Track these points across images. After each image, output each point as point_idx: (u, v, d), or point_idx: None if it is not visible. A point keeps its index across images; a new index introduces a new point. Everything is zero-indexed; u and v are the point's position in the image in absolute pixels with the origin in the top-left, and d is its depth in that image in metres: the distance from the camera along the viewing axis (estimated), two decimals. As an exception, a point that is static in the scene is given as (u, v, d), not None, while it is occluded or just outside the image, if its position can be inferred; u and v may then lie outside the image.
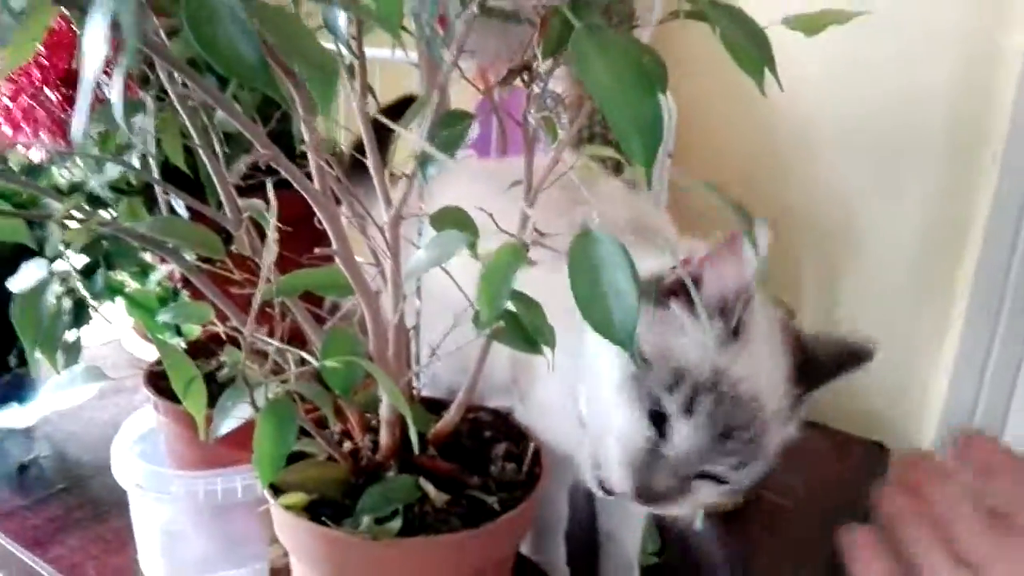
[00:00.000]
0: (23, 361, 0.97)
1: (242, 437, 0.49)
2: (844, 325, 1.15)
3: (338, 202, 0.53)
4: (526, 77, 0.46)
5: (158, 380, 0.77)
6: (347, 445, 0.60)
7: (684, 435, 0.56)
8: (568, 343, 0.51)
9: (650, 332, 0.56)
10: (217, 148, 0.53)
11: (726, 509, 0.88)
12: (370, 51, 0.48)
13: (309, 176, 0.50)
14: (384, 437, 0.58)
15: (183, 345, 0.86)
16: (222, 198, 0.53)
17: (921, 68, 1.03)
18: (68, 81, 0.75)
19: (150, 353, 1.13)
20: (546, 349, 0.48)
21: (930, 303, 1.09)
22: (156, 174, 0.59)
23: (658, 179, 1.00)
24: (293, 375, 0.51)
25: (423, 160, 0.50)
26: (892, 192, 1.08)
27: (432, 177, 0.51)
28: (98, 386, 0.55)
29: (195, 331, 0.90)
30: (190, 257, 0.55)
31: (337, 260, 0.52)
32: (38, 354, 0.57)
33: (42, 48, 0.73)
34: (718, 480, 0.57)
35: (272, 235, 0.47)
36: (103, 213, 0.73)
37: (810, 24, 0.46)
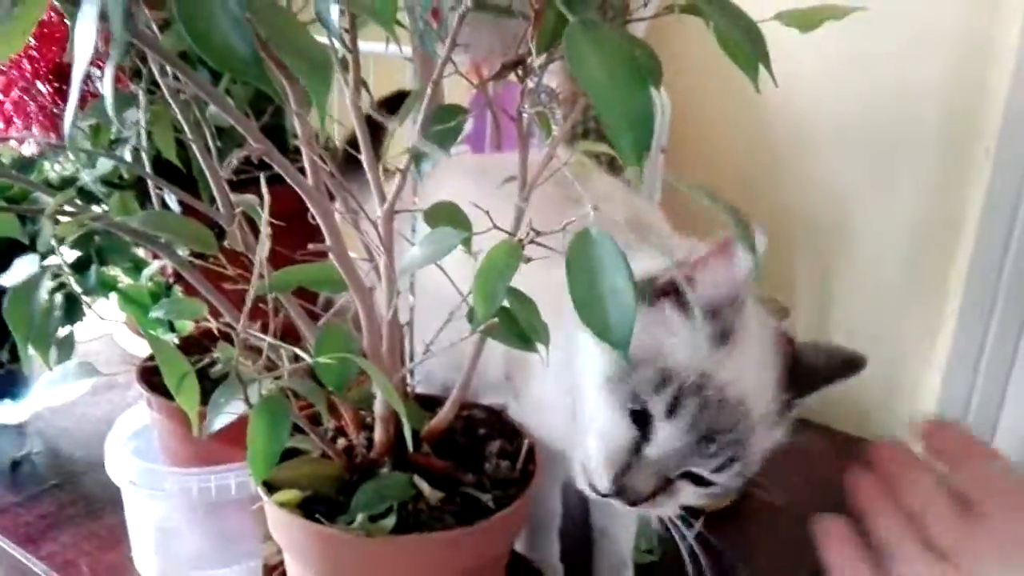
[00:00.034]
0: (15, 357, 0.97)
1: (236, 434, 0.49)
2: (837, 322, 1.16)
3: (331, 197, 0.52)
4: (520, 72, 0.46)
5: (151, 376, 0.77)
6: (341, 442, 0.60)
7: (666, 436, 0.56)
8: (560, 340, 0.50)
9: (640, 332, 0.56)
10: (210, 142, 0.53)
11: (718, 508, 0.88)
12: (363, 45, 0.48)
13: (302, 171, 0.49)
14: (378, 434, 0.58)
15: (176, 341, 0.85)
16: (215, 193, 0.53)
17: (915, 64, 1.03)
18: (59, 74, 0.75)
19: (143, 348, 1.13)
20: (540, 346, 0.48)
21: (923, 300, 1.09)
22: (148, 168, 0.59)
23: (652, 176, 1.00)
24: (287, 371, 0.51)
25: (417, 155, 0.49)
26: (886, 188, 1.08)
27: (426, 173, 0.51)
28: (91, 382, 0.55)
29: (188, 327, 0.90)
30: (183, 252, 0.55)
31: (330, 256, 0.51)
32: (31, 350, 0.56)
33: (33, 40, 0.73)
34: (702, 481, 0.57)
35: (265, 230, 0.47)
36: (95, 208, 0.73)
37: (805, 20, 0.46)
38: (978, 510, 0.50)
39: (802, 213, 1.14)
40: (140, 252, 0.86)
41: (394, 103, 0.76)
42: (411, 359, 0.63)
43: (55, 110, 0.75)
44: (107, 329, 1.22)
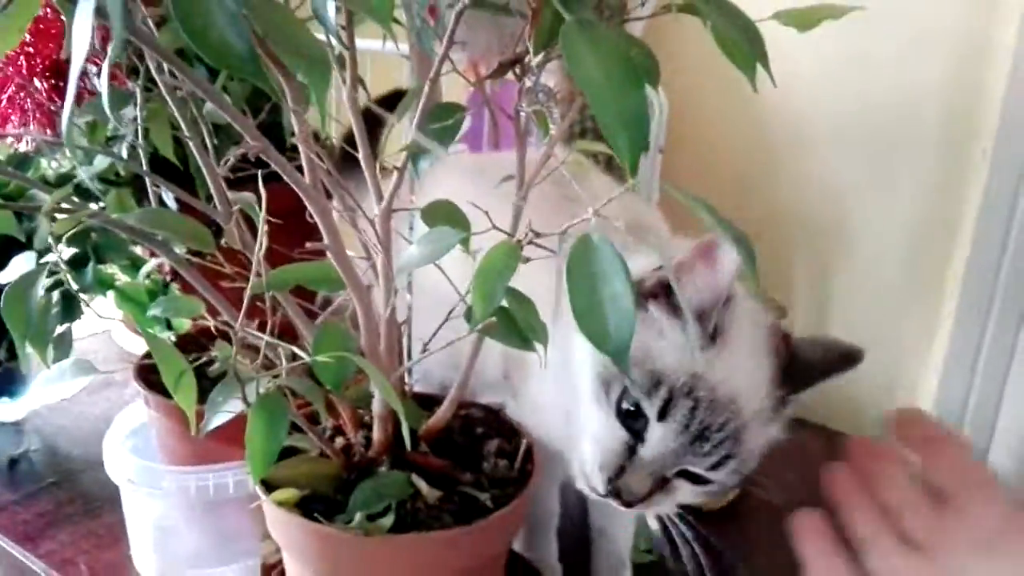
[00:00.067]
0: (13, 355, 0.97)
1: (234, 432, 0.49)
2: (835, 322, 1.16)
3: (329, 195, 0.52)
4: (518, 70, 0.46)
5: (148, 374, 0.77)
6: (339, 441, 0.60)
7: (659, 437, 0.56)
8: (557, 339, 0.50)
9: None
10: (207, 140, 0.53)
11: (717, 508, 0.88)
12: (360, 42, 0.48)
13: (300, 169, 0.49)
14: (376, 433, 0.58)
15: (173, 339, 0.85)
16: (212, 191, 0.53)
17: (912, 65, 1.03)
18: (56, 71, 0.74)
19: (140, 346, 1.13)
20: (538, 346, 0.48)
21: (920, 301, 1.09)
22: (145, 166, 0.59)
23: (650, 176, 1.00)
24: (284, 370, 0.51)
25: (414, 153, 0.49)
26: (883, 189, 1.08)
27: (423, 171, 0.51)
28: (88, 380, 0.54)
29: (185, 325, 0.90)
30: (180, 250, 0.55)
31: (328, 254, 0.51)
32: (28, 348, 0.56)
33: (29, 37, 0.72)
34: (699, 479, 0.57)
35: (262, 228, 0.47)
36: (92, 205, 0.73)
37: (803, 19, 0.46)
38: (952, 502, 0.50)
39: (800, 213, 1.14)
40: (137, 250, 0.85)
41: (391, 101, 0.76)
42: (409, 358, 0.63)
43: (52, 107, 0.74)
44: (104, 327, 1.22)
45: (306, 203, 0.50)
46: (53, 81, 0.74)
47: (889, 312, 1.12)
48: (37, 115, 0.75)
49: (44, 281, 0.55)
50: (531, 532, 0.75)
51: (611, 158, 0.42)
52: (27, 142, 0.79)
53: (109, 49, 0.33)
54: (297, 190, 0.49)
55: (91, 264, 0.79)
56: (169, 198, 0.60)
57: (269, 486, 0.55)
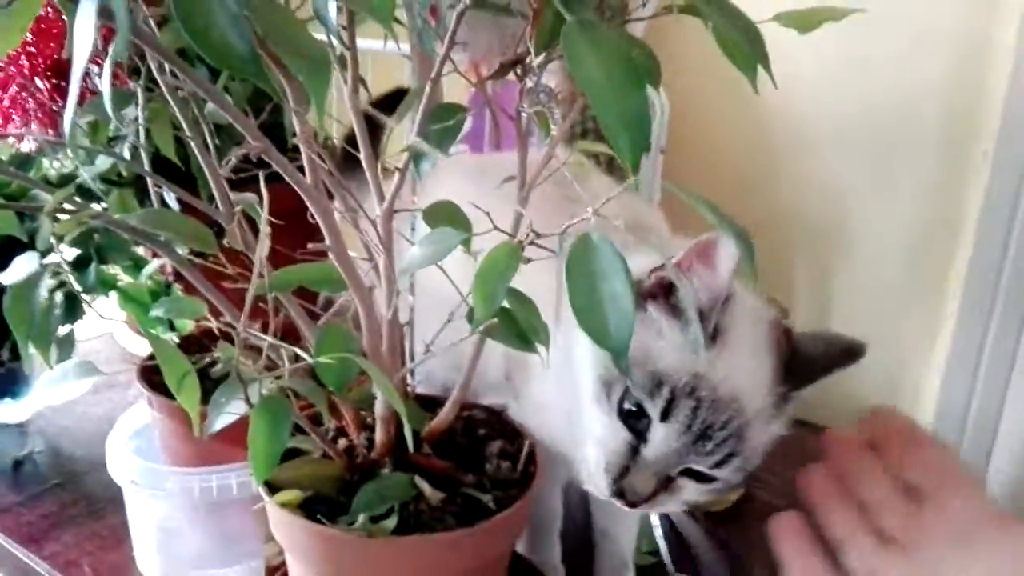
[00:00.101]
0: (16, 355, 0.97)
1: (237, 433, 0.49)
2: (836, 324, 1.16)
3: (330, 196, 0.52)
4: (519, 71, 0.46)
5: (151, 375, 0.77)
6: (342, 442, 0.60)
7: (662, 438, 0.56)
8: (559, 340, 0.50)
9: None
10: (208, 140, 0.53)
11: (721, 509, 0.88)
12: (361, 43, 0.48)
13: (301, 169, 0.49)
14: (379, 434, 0.58)
15: (176, 340, 0.85)
16: (214, 191, 0.53)
17: (913, 66, 1.03)
18: (58, 71, 0.74)
19: (143, 347, 1.13)
20: (540, 347, 0.48)
21: (922, 302, 1.09)
22: (147, 166, 0.59)
23: (651, 176, 1.00)
24: (287, 371, 0.51)
25: (416, 154, 0.49)
26: (884, 190, 1.08)
27: (425, 171, 0.51)
28: (91, 381, 0.55)
29: (188, 326, 0.90)
30: (182, 251, 0.55)
31: (330, 255, 0.51)
32: (31, 349, 0.56)
33: (30, 36, 0.72)
34: (703, 478, 0.57)
35: (264, 229, 0.47)
36: (94, 206, 0.73)
37: (803, 21, 0.46)
38: (928, 499, 0.50)
39: (801, 214, 1.14)
40: (140, 250, 0.85)
41: (392, 100, 0.76)
42: (411, 359, 0.63)
43: (53, 107, 0.74)
44: (107, 328, 1.22)
45: (308, 204, 0.50)
46: (55, 81, 0.74)
47: (891, 314, 1.11)
48: (39, 115, 0.75)
49: (47, 282, 0.55)
50: (534, 534, 0.75)
51: (612, 159, 0.42)
52: (29, 142, 0.79)
53: (111, 49, 0.33)
54: (299, 191, 0.49)
55: (93, 265, 0.79)
56: (171, 199, 0.60)
57: (272, 487, 0.55)
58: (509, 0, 0.44)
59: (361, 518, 0.53)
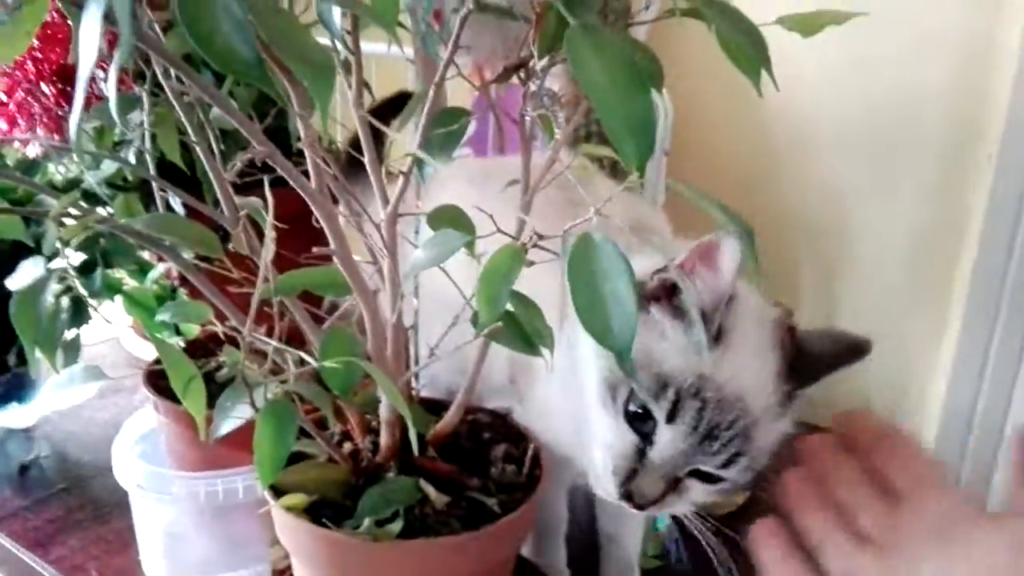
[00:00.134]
0: (23, 360, 0.97)
1: (242, 438, 0.49)
2: (841, 325, 1.15)
3: (335, 200, 0.52)
4: (522, 75, 0.46)
5: (157, 380, 0.77)
6: (347, 446, 0.60)
7: (669, 440, 0.56)
8: (564, 343, 0.50)
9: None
10: (213, 145, 0.53)
11: (727, 511, 0.88)
12: (366, 47, 0.48)
13: (306, 173, 0.49)
14: (384, 438, 0.58)
15: (182, 344, 0.86)
16: (219, 196, 0.53)
17: (917, 68, 1.02)
18: (63, 76, 0.75)
19: (149, 352, 1.13)
20: (544, 350, 0.48)
21: (927, 304, 1.08)
22: (152, 171, 0.59)
23: (655, 179, 1.00)
24: (292, 375, 0.51)
25: (419, 158, 0.50)
26: (889, 192, 1.08)
27: (429, 175, 0.51)
28: (97, 385, 0.55)
29: (194, 330, 0.90)
30: (187, 255, 0.55)
31: (335, 259, 0.51)
32: (38, 353, 0.56)
33: (36, 42, 0.73)
34: (710, 478, 0.57)
35: (269, 233, 0.47)
36: (100, 210, 0.73)
37: (806, 24, 0.46)
38: (905, 498, 0.50)
39: (804, 216, 1.14)
40: (145, 255, 0.86)
41: (396, 104, 0.76)
42: (416, 363, 0.63)
43: (59, 112, 0.75)
44: (113, 332, 1.23)
45: (312, 208, 0.50)
46: (60, 86, 0.74)
47: (896, 316, 1.11)
48: (45, 120, 0.75)
49: (53, 287, 0.55)
50: (539, 537, 0.75)
51: (616, 162, 0.42)
52: (35, 147, 0.80)
53: (116, 54, 0.33)
54: (303, 195, 0.49)
55: (99, 269, 0.79)
56: (176, 203, 0.60)
57: (278, 491, 0.55)
58: (512, 4, 0.44)
59: (366, 522, 0.53)
